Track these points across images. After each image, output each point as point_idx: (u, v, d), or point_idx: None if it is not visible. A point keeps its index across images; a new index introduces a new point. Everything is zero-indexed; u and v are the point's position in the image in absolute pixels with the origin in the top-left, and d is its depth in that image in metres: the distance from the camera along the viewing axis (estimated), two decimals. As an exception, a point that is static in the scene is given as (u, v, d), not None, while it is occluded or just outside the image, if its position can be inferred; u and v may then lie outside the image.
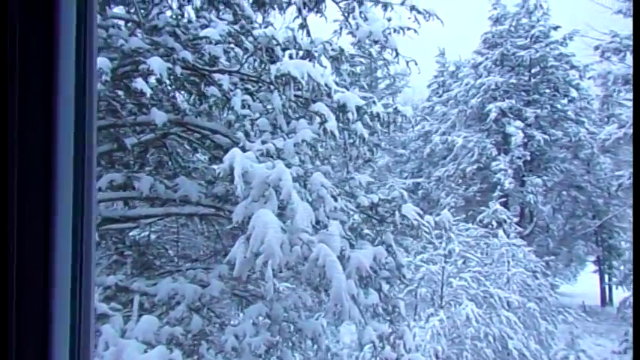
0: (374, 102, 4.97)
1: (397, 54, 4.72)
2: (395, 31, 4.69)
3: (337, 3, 4.97)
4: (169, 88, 5.51)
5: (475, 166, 21.36)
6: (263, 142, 3.85)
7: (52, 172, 0.91)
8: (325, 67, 6.21)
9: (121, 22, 5.47)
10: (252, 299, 5.41)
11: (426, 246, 12.42)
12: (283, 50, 6.09)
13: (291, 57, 6.14)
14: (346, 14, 4.91)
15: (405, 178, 25.17)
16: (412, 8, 4.59)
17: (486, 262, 13.67)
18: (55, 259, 0.92)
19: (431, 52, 26.51)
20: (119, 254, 7.34)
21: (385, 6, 4.73)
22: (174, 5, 5.40)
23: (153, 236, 8.28)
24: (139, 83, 3.99)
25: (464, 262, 13.02)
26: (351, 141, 5.09)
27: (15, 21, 0.86)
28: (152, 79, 4.50)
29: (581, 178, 20.68)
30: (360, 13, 4.77)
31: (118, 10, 6.06)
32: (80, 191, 0.96)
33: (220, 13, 5.88)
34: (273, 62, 5.21)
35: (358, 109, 4.97)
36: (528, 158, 20.97)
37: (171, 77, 4.71)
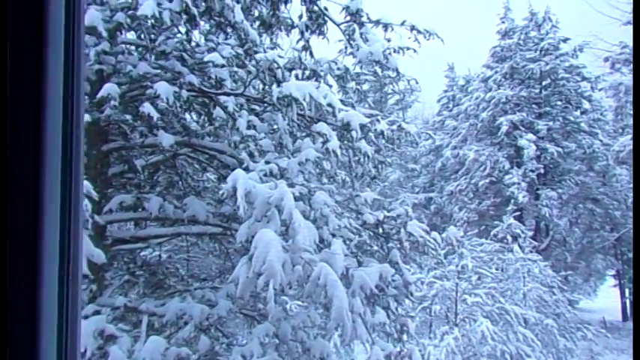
0: (378, 120, 5.01)
1: (398, 73, 4.77)
2: (395, 51, 4.75)
3: (338, 25, 5.06)
4: (178, 110, 5.63)
5: (488, 180, 21.17)
6: (267, 162, 3.90)
7: (40, 172, 0.94)
8: (331, 86, 6.30)
9: (131, 47, 5.64)
10: (261, 318, 5.41)
11: (440, 262, 12.30)
12: (290, 70, 6.21)
13: (297, 77, 6.25)
14: (347, 36, 5.00)
15: (417, 192, 25.03)
16: (412, 28, 4.66)
17: (501, 278, 13.45)
18: (43, 259, 0.94)
19: (440, 67, 26.61)
20: (131, 274, 7.43)
21: (386, 27, 4.80)
22: (182, 30, 5.56)
23: (164, 256, 8.36)
24: (146, 107, 4.10)
25: (479, 278, 12.83)
26: (356, 159, 5.13)
27: (5, 24, 0.89)
28: (163, 102, 4.62)
29: (597, 191, 20.32)
30: (361, 34, 4.85)
31: (130, 35, 6.25)
32: (68, 190, 0.99)
33: (228, 36, 6.03)
34: (279, 83, 5.31)
35: (362, 127, 5.02)
36: (542, 171, 20.73)
37: (181, 99, 4.83)
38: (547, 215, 19.85)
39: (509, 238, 16.86)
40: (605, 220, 20.58)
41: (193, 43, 5.77)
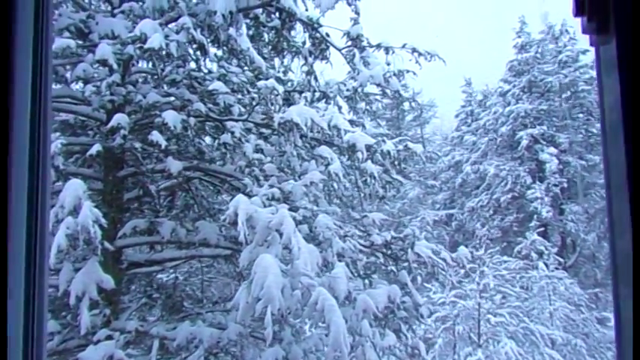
0: (384, 140, 5.03)
1: (400, 95, 4.81)
2: (395, 74, 4.79)
3: (340, 50, 5.15)
4: (191, 135, 5.76)
5: (509, 195, 20.72)
6: (270, 186, 3.96)
7: (6, 175, 0.97)
8: (340, 107, 6.37)
9: (144, 76, 5.86)
10: (271, 341, 5.39)
11: (461, 280, 12.06)
12: (300, 93, 6.32)
13: (307, 99, 6.35)
14: (348, 60, 5.07)
15: (438, 209, 24.68)
16: (413, 50, 4.70)
17: (526, 297, 13.05)
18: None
19: (457, 82, 26.49)
20: (148, 297, 7.53)
21: (387, 50, 4.86)
22: (192, 58, 5.75)
23: (180, 278, 8.46)
24: (154, 135, 4.24)
25: (503, 297, 12.49)
26: (363, 179, 5.14)
27: None
28: (171, 129, 4.76)
29: (624, 204, 19.65)
30: (361, 58, 4.92)
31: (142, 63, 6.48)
32: (34, 225, 1.03)
33: (240, 62, 6.18)
34: (287, 106, 5.41)
35: (368, 147, 5.05)
36: (565, 185, 20.19)
37: (190, 126, 4.98)
38: (573, 230, 19.25)
39: (534, 254, 16.38)
40: (635, 235, 19.80)
41: (205, 70, 5.95)
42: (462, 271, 7.24)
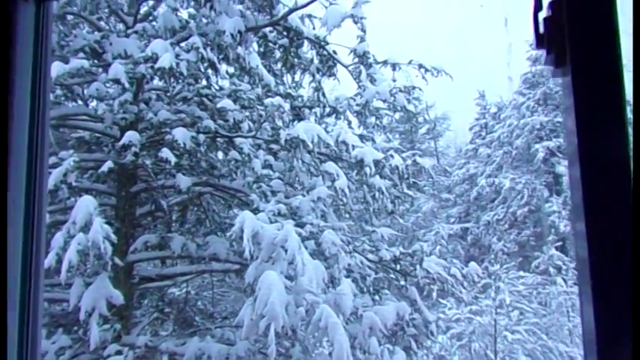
0: (392, 155, 5.03)
1: (407, 111, 4.82)
2: (400, 90, 4.81)
3: (347, 67, 5.20)
4: (202, 151, 5.83)
5: (526, 209, 20.39)
6: (277, 202, 3.98)
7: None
8: (350, 122, 6.40)
9: (156, 93, 5.99)
10: (282, 359, 5.36)
11: (477, 296, 11.86)
12: (310, 108, 6.38)
13: (316, 115, 6.39)
14: (355, 76, 5.12)
15: (452, 223, 24.38)
16: (420, 66, 4.72)
17: (544, 313, 12.74)
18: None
19: (470, 94, 26.36)
20: (160, 312, 7.57)
21: (394, 66, 4.89)
22: (203, 76, 5.87)
23: (192, 292, 8.49)
24: (164, 152, 4.32)
25: (521, 313, 12.22)
26: (372, 194, 5.13)
27: None
28: (180, 146, 4.84)
29: (646, 218, 19.16)
30: (368, 74, 4.96)
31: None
32: (30, 237, 1.07)
33: (251, 79, 6.27)
34: (301, 120, 5.47)
35: (377, 162, 5.05)
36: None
37: (200, 142, 5.06)
38: None
39: (552, 269, 16.02)
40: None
41: (216, 87, 6.06)
42: (476, 286, 7.13)
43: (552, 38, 0.65)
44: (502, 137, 21.87)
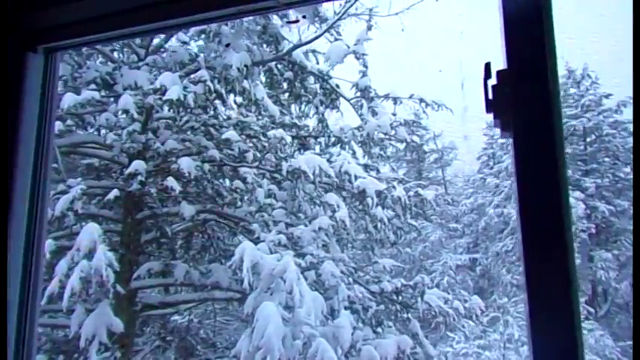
0: (394, 186, 5.07)
1: (407, 143, 4.89)
2: (401, 124, 4.90)
3: (349, 101, 5.33)
4: (209, 178, 5.90)
5: (535, 241, 20.11)
6: (278, 232, 4.02)
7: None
8: (354, 152, 6.48)
9: (165, 121, 6.14)
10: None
11: (486, 330, 11.59)
12: (315, 138, 6.48)
13: (321, 145, 6.49)
14: (357, 109, 5.23)
15: (460, 253, 24.08)
16: (421, 100, 4.83)
17: (553, 348, 12.41)
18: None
19: (479, 124, 26.42)
20: (162, 340, 7.51)
21: (395, 100, 5.00)
22: (211, 107, 6.02)
23: (195, 320, 8.43)
24: (169, 181, 4.41)
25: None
26: (374, 225, 5.15)
27: None
28: (185, 175, 4.93)
29: (658, 251, 18.77)
30: (369, 108, 5.07)
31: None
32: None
33: (257, 110, 6.42)
34: (306, 149, 5.56)
35: (379, 193, 5.09)
36: (593, 231, 19.51)
37: (209, 171, 5.16)
38: (603, 279, 18.41)
39: (562, 303, 15.60)
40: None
41: (224, 117, 6.21)
42: (479, 320, 7.02)
43: (499, 105, 0.71)
44: (510, 167, 21.82)
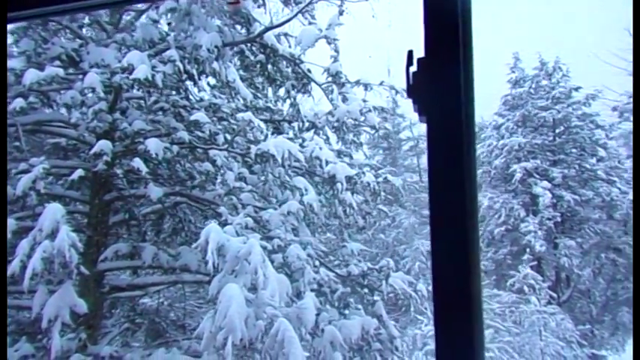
0: (363, 172, 5.14)
1: (377, 130, 4.95)
2: (370, 110, 4.95)
3: (320, 86, 5.34)
4: (182, 162, 5.81)
5: (503, 228, 20.71)
6: (246, 215, 4.03)
7: None
8: (328, 137, 6.51)
9: (136, 101, 6.02)
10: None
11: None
12: (289, 123, 6.47)
13: (294, 129, 6.48)
14: (327, 94, 5.25)
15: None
16: (391, 88, 4.88)
17: (517, 332, 12.91)
18: None
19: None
20: (131, 322, 7.47)
21: (365, 86, 5.04)
22: (182, 87, 5.93)
23: (166, 303, 8.39)
24: (136, 162, 4.35)
25: (495, 332, 12.36)
26: (343, 210, 5.22)
27: None
28: (159, 154, 4.86)
29: (618, 240, 19.62)
30: (340, 93, 5.10)
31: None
32: None
33: (229, 92, 6.35)
34: (280, 134, 5.55)
35: (349, 179, 5.15)
36: (559, 219, 20.21)
37: (178, 153, 5.10)
38: (567, 265, 19.16)
39: (526, 288, 16.26)
40: (628, 271, 19.71)
41: (196, 98, 6.12)
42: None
43: (417, 91, 0.76)
44: (482, 157, 22.30)
